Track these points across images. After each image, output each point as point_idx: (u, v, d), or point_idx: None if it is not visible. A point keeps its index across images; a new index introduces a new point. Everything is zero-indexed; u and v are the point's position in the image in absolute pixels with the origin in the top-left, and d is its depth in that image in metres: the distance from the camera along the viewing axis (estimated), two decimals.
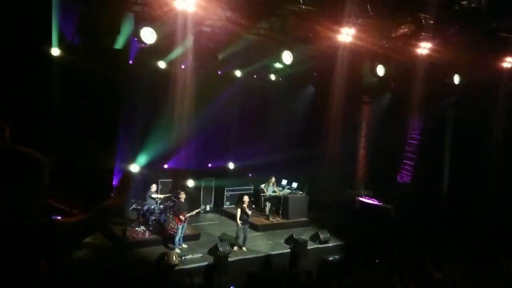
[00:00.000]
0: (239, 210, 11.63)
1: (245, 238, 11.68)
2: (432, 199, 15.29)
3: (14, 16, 6.76)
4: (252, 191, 15.83)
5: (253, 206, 15.67)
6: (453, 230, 12.65)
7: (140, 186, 13.23)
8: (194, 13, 8.84)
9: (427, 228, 13.08)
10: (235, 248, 11.47)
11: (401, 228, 13.82)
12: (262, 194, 14.88)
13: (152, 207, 12.06)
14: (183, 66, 14.49)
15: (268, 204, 14.56)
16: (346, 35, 10.36)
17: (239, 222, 11.56)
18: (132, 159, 13.73)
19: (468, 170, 14.55)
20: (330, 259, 10.91)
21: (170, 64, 13.96)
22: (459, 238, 11.58)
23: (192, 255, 10.73)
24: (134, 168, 13.60)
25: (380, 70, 11.93)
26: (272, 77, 17.07)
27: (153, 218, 12.00)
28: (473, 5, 9.86)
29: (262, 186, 14.81)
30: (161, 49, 11.38)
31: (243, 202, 11.71)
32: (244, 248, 11.58)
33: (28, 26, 6.92)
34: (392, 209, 15.33)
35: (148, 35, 8.74)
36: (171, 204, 12.19)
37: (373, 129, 17.15)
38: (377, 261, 9.94)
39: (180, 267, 9.88)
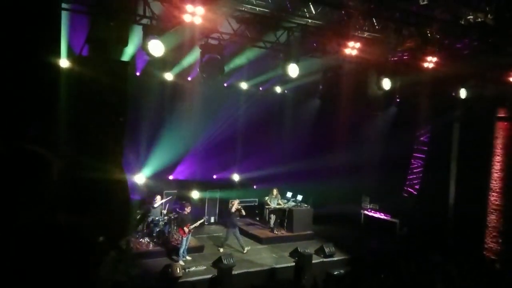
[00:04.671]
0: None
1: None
2: (439, 212, 15.14)
3: (23, 27, 6.85)
4: (256, 203, 15.78)
5: (257, 218, 15.68)
6: (460, 244, 12.53)
7: (145, 197, 13.26)
8: (201, 26, 8.93)
9: (434, 241, 12.95)
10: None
11: (407, 242, 13.70)
12: (266, 207, 14.82)
13: (157, 218, 12.03)
14: (189, 78, 14.64)
15: (272, 217, 14.48)
16: (352, 48, 10.39)
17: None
18: (138, 170, 13.77)
19: (474, 183, 14.42)
20: (335, 273, 10.79)
21: (177, 76, 14.09)
22: (466, 253, 11.46)
23: (196, 267, 10.67)
24: (140, 178, 13.64)
25: (386, 84, 11.91)
26: (278, 89, 17.13)
27: (158, 230, 11.97)
28: (480, 19, 9.88)
29: (266, 198, 14.75)
30: (168, 61, 11.46)
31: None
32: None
33: (37, 37, 7.00)
34: (398, 223, 15.21)
35: (156, 48, 8.80)
36: (176, 215, 12.16)
37: (379, 142, 17.10)
38: (382, 275, 9.84)
39: (184, 279, 9.81)
